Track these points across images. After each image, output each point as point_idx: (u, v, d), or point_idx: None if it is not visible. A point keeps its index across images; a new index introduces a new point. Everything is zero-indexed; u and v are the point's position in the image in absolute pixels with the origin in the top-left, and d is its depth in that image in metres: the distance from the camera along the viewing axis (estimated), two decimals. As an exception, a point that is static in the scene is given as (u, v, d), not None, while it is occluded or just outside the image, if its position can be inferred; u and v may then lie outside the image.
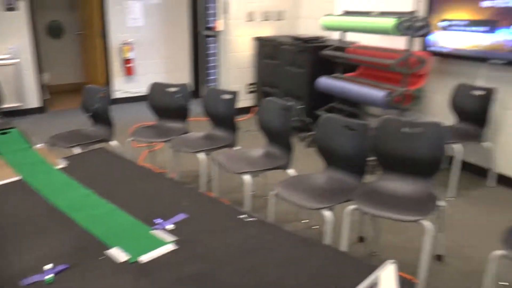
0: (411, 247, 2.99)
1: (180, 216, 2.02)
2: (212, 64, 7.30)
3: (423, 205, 2.46)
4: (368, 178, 2.79)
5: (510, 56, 3.74)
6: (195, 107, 5.98)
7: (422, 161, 2.66)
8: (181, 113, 3.90)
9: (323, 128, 2.90)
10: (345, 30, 4.74)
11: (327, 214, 2.46)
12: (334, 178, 2.84)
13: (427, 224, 2.31)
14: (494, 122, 3.99)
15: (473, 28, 3.99)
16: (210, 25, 7.00)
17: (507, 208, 3.60)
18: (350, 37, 5.14)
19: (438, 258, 2.86)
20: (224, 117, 3.63)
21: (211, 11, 7.01)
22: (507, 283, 2.59)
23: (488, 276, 2.20)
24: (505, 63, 3.78)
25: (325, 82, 4.75)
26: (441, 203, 2.54)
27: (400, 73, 4.19)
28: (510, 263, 2.14)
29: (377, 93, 4.13)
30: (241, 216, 2.00)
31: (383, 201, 2.52)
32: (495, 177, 4.05)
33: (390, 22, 3.95)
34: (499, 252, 2.07)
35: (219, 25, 6.14)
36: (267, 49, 5.88)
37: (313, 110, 5.06)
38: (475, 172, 4.19)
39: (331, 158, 2.90)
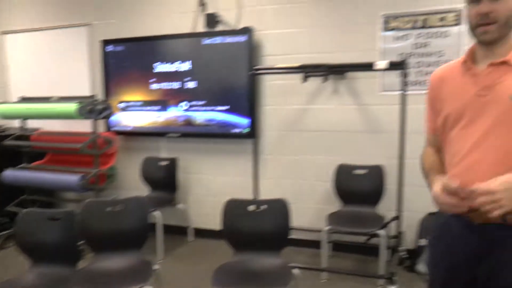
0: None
1: None
2: None
3: (141, 273, 2.61)
4: (82, 263, 2.77)
5: (183, 129, 4.40)
6: None
7: (130, 234, 2.83)
8: None
9: (23, 225, 2.74)
10: (25, 117, 4.59)
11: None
12: (45, 273, 2.68)
13: (148, 289, 2.46)
14: (182, 186, 4.54)
15: (148, 108, 4.51)
16: None
17: (208, 255, 4.12)
18: (32, 123, 4.96)
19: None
20: None
21: None
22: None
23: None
24: (180, 135, 4.41)
25: (12, 175, 4.42)
26: (155, 266, 2.73)
27: (91, 155, 4.32)
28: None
29: (70, 178, 4.12)
30: None
31: (100, 281, 2.56)
32: (192, 232, 4.57)
33: (71, 107, 4.05)
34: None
35: None
36: None
37: (4, 207, 4.61)
38: (177, 232, 4.61)
39: (38, 253, 2.74)
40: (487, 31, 1.47)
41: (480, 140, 1.49)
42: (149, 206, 3.99)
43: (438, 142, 1.73)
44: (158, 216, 3.98)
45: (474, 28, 1.51)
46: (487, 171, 1.45)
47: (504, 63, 1.48)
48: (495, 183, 1.36)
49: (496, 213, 1.34)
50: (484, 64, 1.53)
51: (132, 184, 4.74)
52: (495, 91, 1.48)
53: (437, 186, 1.51)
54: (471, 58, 1.58)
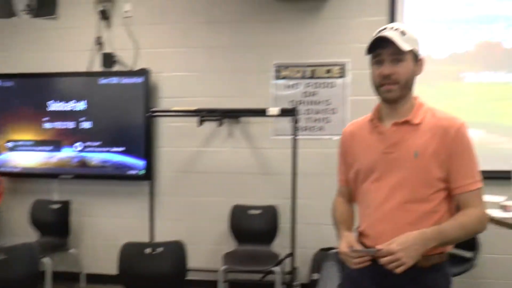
0: None
1: None
2: None
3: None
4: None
5: (77, 171, 4.27)
6: None
7: (15, 285, 2.69)
8: None
9: None
10: None
11: None
12: None
13: None
14: (75, 230, 4.35)
15: (40, 148, 4.32)
16: None
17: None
18: None
19: None
20: None
21: None
22: None
23: None
24: (73, 177, 4.28)
25: None
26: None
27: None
28: None
29: None
30: None
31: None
32: (85, 278, 4.36)
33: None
34: None
35: None
36: None
37: None
38: (68, 279, 4.35)
39: None
40: (391, 89, 1.61)
41: (389, 194, 1.64)
42: (38, 253, 3.79)
43: (348, 193, 1.88)
44: (47, 263, 3.77)
45: (378, 87, 1.66)
46: (396, 222, 1.61)
47: (406, 122, 1.65)
48: (393, 244, 1.50)
49: (400, 269, 1.49)
50: (389, 122, 1.67)
51: (19, 229, 4.43)
52: (400, 149, 1.63)
53: (344, 245, 1.64)
54: (377, 116, 1.73)
